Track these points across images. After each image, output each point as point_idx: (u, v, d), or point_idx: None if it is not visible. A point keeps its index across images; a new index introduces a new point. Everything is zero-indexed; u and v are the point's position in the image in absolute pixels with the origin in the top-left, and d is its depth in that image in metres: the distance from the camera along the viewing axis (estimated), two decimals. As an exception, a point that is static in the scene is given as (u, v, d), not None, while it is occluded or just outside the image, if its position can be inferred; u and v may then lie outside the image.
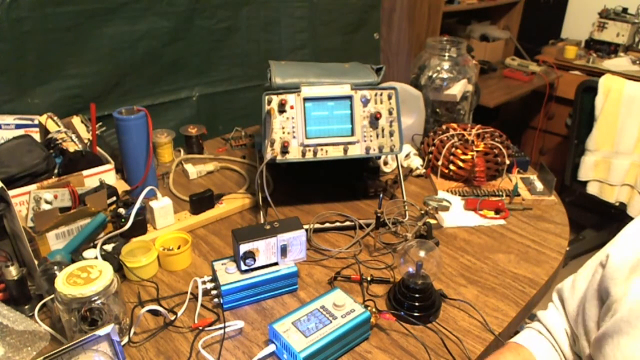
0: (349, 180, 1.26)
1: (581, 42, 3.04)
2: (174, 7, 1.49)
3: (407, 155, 1.40)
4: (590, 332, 0.71)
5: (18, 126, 1.18)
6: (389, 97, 1.12)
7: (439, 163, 1.31)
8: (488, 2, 2.74)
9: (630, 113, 2.06)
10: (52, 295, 0.78)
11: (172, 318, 0.84)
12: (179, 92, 1.62)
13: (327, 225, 1.10)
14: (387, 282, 0.94)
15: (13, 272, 0.82)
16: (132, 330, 0.81)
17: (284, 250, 0.89)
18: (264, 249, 0.87)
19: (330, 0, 1.90)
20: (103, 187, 1.02)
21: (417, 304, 0.85)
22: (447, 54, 1.56)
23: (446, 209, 1.15)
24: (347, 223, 1.11)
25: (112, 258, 0.93)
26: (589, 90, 2.16)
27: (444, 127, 1.41)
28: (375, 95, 1.11)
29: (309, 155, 1.08)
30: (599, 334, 0.66)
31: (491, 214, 1.17)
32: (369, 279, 0.93)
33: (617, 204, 2.23)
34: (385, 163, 1.35)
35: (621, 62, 2.66)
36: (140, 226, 1.02)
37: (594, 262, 0.74)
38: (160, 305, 0.85)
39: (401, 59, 2.34)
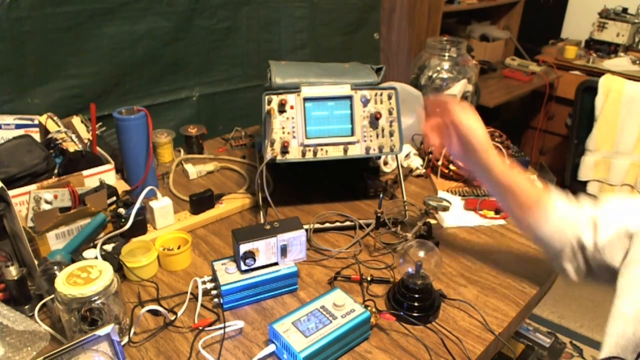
0: (349, 180, 1.26)
1: (581, 42, 3.04)
2: (174, 7, 1.49)
3: (407, 155, 1.40)
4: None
5: (18, 126, 1.18)
6: (389, 97, 1.12)
7: (439, 163, 1.31)
8: (488, 2, 2.74)
9: (630, 113, 2.06)
10: (52, 295, 0.78)
11: (172, 318, 0.84)
12: (178, 92, 1.62)
13: (327, 225, 1.10)
14: (387, 282, 0.94)
15: (13, 272, 0.82)
16: (132, 330, 0.81)
17: (284, 250, 0.89)
18: (264, 249, 0.87)
19: (330, 0, 1.90)
20: (103, 187, 1.02)
21: (416, 304, 0.85)
22: (447, 54, 1.56)
23: (446, 209, 1.15)
24: (347, 223, 1.11)
25: (112, 258, 0.93)
26: (589, 90, 2.16)
27: (444, 127, 1.41)
28: (375, 95, 1.11)
29: (309, 155, 1.08)
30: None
31: (491, 214, 1.17)
32: (369, 279, 0.93)
33: (617, 204, 2.23)
34: (385, 163, 1.35)
35: (621, 62, 2.66)
36: (140, 226, 1.02)
37: None
38: (160, 305, 0.85)
39: (401, 59, 2.34)
